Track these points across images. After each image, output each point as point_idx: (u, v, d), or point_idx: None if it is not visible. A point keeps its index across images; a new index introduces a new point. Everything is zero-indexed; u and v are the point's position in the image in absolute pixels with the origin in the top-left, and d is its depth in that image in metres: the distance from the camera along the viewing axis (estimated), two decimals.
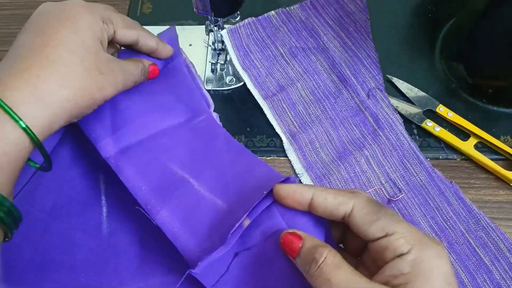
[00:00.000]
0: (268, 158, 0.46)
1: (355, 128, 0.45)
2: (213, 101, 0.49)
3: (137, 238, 0.39)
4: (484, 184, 0.43)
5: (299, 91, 0.48)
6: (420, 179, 0.42)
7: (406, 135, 0.44)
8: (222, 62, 0.50)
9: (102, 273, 0.37)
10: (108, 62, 0.35)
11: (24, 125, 0.30)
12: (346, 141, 0.45)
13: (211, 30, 0.48)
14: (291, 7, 0.53)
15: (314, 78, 0.48)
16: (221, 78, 0.50)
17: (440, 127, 0.45)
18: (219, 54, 0.50)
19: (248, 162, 0.36)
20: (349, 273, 0.27)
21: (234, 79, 0.50)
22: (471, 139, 0.45)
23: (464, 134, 0.45)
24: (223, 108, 0.49)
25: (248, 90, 0.49)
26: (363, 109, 0.46)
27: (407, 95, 0.48)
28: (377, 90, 0.46)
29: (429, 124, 0.45)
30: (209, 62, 0.51)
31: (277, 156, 0.46)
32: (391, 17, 0.53)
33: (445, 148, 0.45)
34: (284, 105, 0.47)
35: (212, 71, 0.50)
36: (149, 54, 0.42)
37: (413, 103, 0.47)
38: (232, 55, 0.50)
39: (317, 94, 0.47)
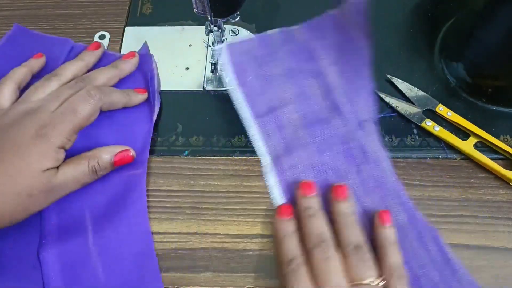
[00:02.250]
0: None
1: (340, 157, 0.44)
2: (213, 101, 0.49)
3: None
4: (484, 184, 0.44)
5: (290, 113, 0.46)
6: (399, 220, 0.41)
7: (392, 173, 0.43)
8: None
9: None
10: (44, 190, 0.37)
11: None
12: (329, 169, 0.43)
13: (211, 31, 0.48)
14: (292, 27, 0.50)
15: (307, 102, 0.46)
16: (221, 78, 0.50)
17: (440, 127, 0.45)
18: (219, 55, 0.50)
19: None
20: None
21: None
22: (471, 138, 0.45)
23: (463, 134, 0.45)
24: (223, 108, 0.49)
25: None
26: (352, 140, 0.44)
27: (406, 95, 0.48)
28: (369, 123, 0.45)
29: (428, 124, 0.45)
30: (209, 62, 0.51)
31: None
32: (391, 17, 0.53)
33: (444, 147, 0.45)
34: (273, 126, 0.45)
35: (212, 71, 0.50)
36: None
37: (412, 103, 0.47)
38: (228, 70, 0.48)
39: (308, 118, 0.45)
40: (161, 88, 0.50)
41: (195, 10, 0.44)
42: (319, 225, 0.37)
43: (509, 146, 0.44)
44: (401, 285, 0.35)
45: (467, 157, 0.45)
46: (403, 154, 0.45)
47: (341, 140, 0.44)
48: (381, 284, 0.35)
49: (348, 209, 0.39)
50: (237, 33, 0.53)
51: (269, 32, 0.50)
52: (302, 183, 0.40)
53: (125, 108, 0.46)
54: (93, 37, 0.54)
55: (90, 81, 0.44)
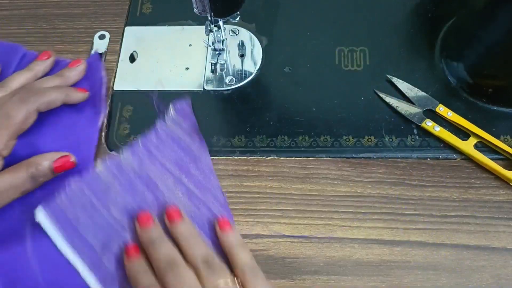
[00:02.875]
0: (268, 158, 0.46)
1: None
2: (213, 101, 0.49)
3: None
4: (484, 184, 0.43)
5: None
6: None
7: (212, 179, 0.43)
8: (222, 63, 0.50)
9: None
10: None
11: None
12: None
13: (211, 31, 0.48)
14: (121, 155, 0.43)
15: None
16: (221, 78, 0.50)
17: (440, 127, 0.45)
18: (219, 55, 0.50)
19: None
20: None
21: (234, 79, 0.50)
22: (471, 138, 0.45)
23: (464, 134, 0.45)
24: (223, 108, 0.49)
25: (248, 90, 0.49)
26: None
27: (406, 95, 0.48)
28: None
29: (429, 124, 0.45)
30: (209, 62, 0.51)
31: (277, 156, 0.46)
32: (391, 17, 0.53)
33: (445, 148, 0.45)
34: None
35: (212, 71, 0.50)
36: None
37: (413, 103, 0.47)
38: (55, 237, 0.39)
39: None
40: (162, 88, 0.50)
41: (195, 10, 0.44)
42: (164, 249, 0.37)
43: (509, 146, 0.44)
44: (255, 277, 0.36)
45: (467, 158, 0.45)
46: (403, 154, 0.45)
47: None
48: (236, 282, 0.36)
49: (184, 227, 0.39)
50: (237, 33, 0.53)
51: (95, 169, 0.42)
52: (139, 216, 0.40)
53: (69, 115, 0.45)
54: (93, 36, 0.54)
55: (31, 89, 0.43)
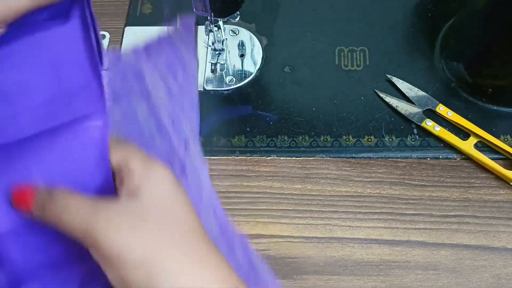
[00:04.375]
0: (268, 158, 0.46)
1: None
2: (213, 101, 0.49)
3: None
4: (484, 184, 0.43)
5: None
6: (213, 232, 0.39)
7: (210, 189, 0.41)
8: (222, 63, 0.50)
9: None
10: None
11: None
12: None
13: (211, 30, 0.48)
14: (123, 52, 0.46)
15: (130, 126, 0.43)
16: (221, 78, 0.50)
17: (440, 127, 0.45)
18: (219, 55, 0.50)
19: None
20: (86, 197, 0.29)
21: (234, 79, 0.50)
22: (471, 138, 0.45)
23: (464, 134, 0.45)
24: (223, 108, 0.49)
25: (248, 90, 0.49)
26: (174, 161, 0.42)
27: (407, 94, 0.48)
28: (193, 142, 0.43)
29: (429, 124, 0.45)
30: (209, 62, 0.51)
31: (277, 156, 0.46)
32: (391, 16, 0.53)
33: (445, 147, 0.45)
34: None
35: (212, 71, 0.50)
36: None
37: (413, 103, 0.47)
38: None
39: (133, 141, 0.43)
40: None
41: (195, 10, 0.44)
42: None
43: (509, 146, 0.44)
44: None
45: (467, 157, 0.45)
46: (403, 154, 0.45)
47: (164, 161, 0.43)
48: None
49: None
50: (237, 33, 0.53)
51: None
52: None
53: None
54: None
55: None
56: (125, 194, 0.30)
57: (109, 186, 0.32)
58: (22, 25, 0.32)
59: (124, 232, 0.28)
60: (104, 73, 0.35)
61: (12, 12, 0.31)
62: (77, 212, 0.28)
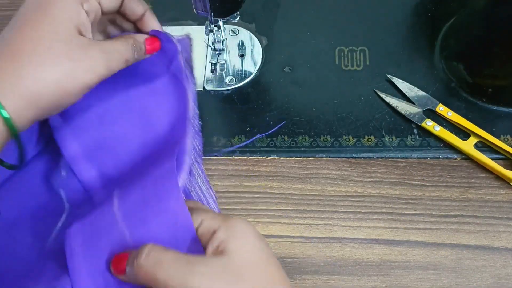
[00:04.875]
0: (268, 158, 0.46)
1: None
2: (213, 101, 0.49)
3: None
4: (484, 184, 0.43)
5: None
6: None
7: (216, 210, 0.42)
8: (222, 63, 0.50)
9: None
10: (83, 47, 0.33)
11: (6, 115, 0.30)
12: None
13: (211, 30, 0.48)
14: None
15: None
16: (221, 78, 0.50)
17: (440, 127, 0.45)
18: (219, 55, 0.50)
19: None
20: (176, 252, 0.29)
21: (234, 79, 0.50)
22: (471, 138, 0.45)
23: (464, 134, 0.45)
24: (223, 108, 0.49)
25: (248, 90, 0.49)
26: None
27: (407, 94, 0.48)
28: (195, 163, 0.42)
29: (429, 124, 0.45)
30: (209, 62, 0.51)
31: (277, 156, 0.46)
32: (391, 16, 0.53)
33: (445, 147, 0.45)
34: None
35: (212, 71, 0.50)
36: (134, 23, 0.40)
37: (413, 103, 0.47)
38: None
39: None
40: None
41: (195, 10, 0.45)
42: None
43: (509, 146, 0.44)
44: None
45: (467, 157, 0.45)
46: (404, 154, 0.45)
47: None
48: None
49: None
50: (237, 33, 0.53)
51: None
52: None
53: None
54: None
55: None
56: (214, 253, 0.29)
57: (197, 250, 0.32)
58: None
59: (221, 286, 0.27)
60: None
61: (112, 69, 0.35)
62: (172, 266, 0.28)
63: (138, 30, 0.41)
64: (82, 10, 0.34)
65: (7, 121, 0.30)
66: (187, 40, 0.44)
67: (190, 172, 0.40)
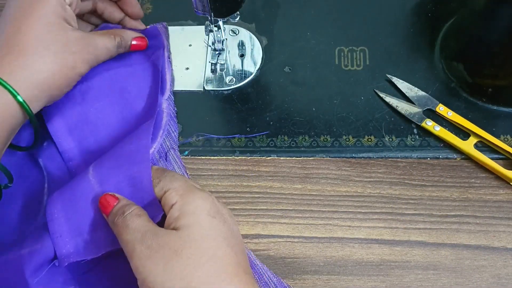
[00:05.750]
0: (268, 158, 0.46)
1: None
2: (213, 101, 0.49)
3: None
4: (484, 184, 0.43)
5: None
6: None
7: None
8: (222, 63, 0.50)
9: None
10: (77, 40, 0.39)
11: (21, 99, 0.35)
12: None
13: (211, 30, 0.48)
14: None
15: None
16: (221, 78, 0.50)
17: (440, 127, 0.45)
18: (219, 55, 0.50)
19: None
20: (146, 221, 0.33)
21: (234, 79, 0.50)
22: (471, 138, 0.45)
23: (464, 134, 0.45)
24: (223, 108, 0.49)
25: (248, 90, 0.49)
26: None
27: (406, 94, 0.48)
28: (171, 150, 0.44)
29: (429, 124, 0.45)
30: (209, 62, 0.51)
31: (277, 156, 0.46)
32: (391, 16, 0.53)
33: (445, 147, 0.45)
34: None
35: (212, 71, 0.50)
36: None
37: (413, 103, 0.47)
38: None
39: None
40: None
41: (195, 10, 0.45)
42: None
43: (509, 146, 0.44)
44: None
45: (467, 157, 0.45)
46: (403, 154, 0.45)
47: None
48: None
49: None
50: (237, 33, 0.53)
51: None
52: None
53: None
54: None
55: None
56: (167, 227, 0.33)
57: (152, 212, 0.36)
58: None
59: (159, 267, 0.30)
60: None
61: (100, 60, 0.42)
62: (134, 233, 0.32)
63: (122, 10, 0.47)
64: (64, 2, 0.39)
65: (22, 105, 0.35)
66: (163, 29, 0.51)
67: (166, 158, 0.44)
